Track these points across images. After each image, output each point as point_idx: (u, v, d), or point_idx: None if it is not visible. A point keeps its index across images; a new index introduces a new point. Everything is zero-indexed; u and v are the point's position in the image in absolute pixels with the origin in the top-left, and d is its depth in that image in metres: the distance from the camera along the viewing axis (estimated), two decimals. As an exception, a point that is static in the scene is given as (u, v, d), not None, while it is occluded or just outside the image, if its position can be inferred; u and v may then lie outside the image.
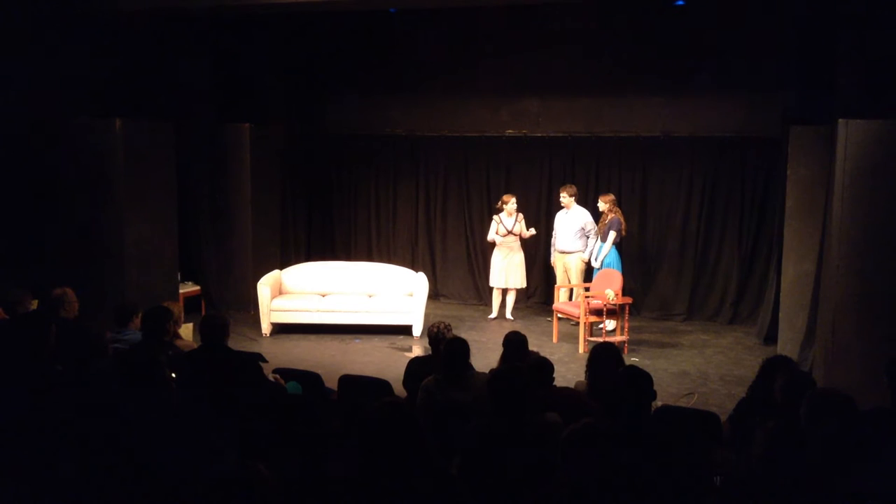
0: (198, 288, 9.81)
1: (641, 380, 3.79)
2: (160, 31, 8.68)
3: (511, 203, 9.72)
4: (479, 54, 10.44)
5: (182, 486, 3.02)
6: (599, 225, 9.40)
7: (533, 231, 9.83)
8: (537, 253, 10.42)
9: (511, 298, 9.98)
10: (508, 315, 9.97)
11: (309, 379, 5.55)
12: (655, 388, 3.86)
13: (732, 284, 9.89)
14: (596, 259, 9.22)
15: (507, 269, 9.78)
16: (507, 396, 3.70)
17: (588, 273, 9.48)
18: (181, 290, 9.24)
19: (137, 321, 5.61)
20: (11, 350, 4.32)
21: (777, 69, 9.03)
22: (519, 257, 9.82)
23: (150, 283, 8.26)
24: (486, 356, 7.17)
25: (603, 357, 4.59)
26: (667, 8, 9.47)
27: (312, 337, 9.06)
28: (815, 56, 7.92)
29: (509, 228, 9.75)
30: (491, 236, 9.87)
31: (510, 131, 10.68)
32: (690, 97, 9.84)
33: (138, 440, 3.38)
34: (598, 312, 8.55)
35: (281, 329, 9.28)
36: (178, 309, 5.88)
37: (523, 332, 5.31)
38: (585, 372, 4.71)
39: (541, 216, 10.47)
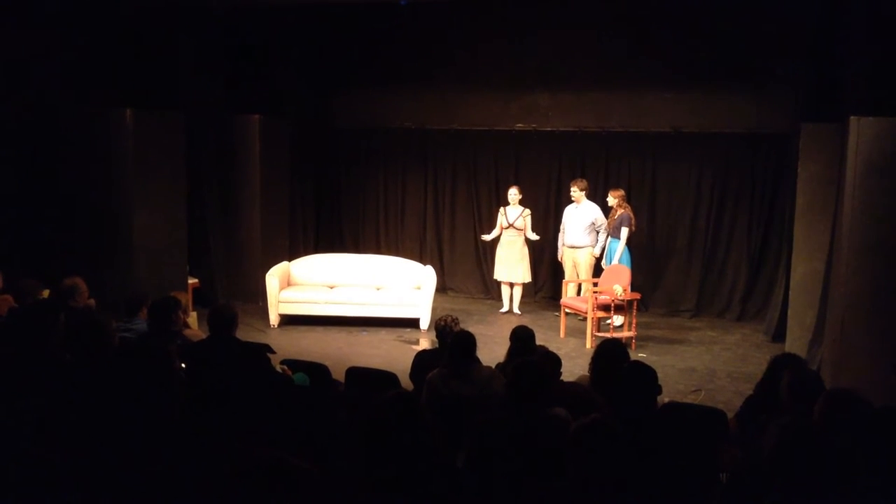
0: (196, 281, 9.73)
1: (646, 375, 3.78)
2: (171, 22, 8.67)
3: (512, 193, 9.71)
4: (489, 48, 10.41)
5: (186, 478, 3.03)
6: (609, 220, 9.38)
7: (536, 236, 9.82)
8: (545, 247, 10.41)
9: (518, 293, 9.98)
10: (516, 309, 9.97)
11: (316, 370, 5.55)
12: (663, 384, 3.86)
13: (741, 281, 9.86)
14: (610, 258, 9.18)
15: (510, 263, 9.78)
16: (529, 389, 3.69)
17: (597, 268, 9.46)
18: (189, 281, 9.23)
19: (146, 311, 5.62)
20: (20, 338, 4.34)
21: (788, 65, 8.98)
22: (522, 251, 9.80)
23: (159, 272, 8.27)
24: (493, 350, 7.16)
25: (608, 353, 4.58)
26: (678, 3, 9.42)
27: (320, 328, 9.08)
28: (827, 52, 7.87)
29: (511, 221, 9.74)
30: (490, 236, 9.90)
31: (520, 125, 10.65)
32: (701, 93, 9.80)
33: (144, 429, 3.39)
34: (605, 308, 8.55)
35: (289, 320, 9.30)
36: (185, 299, 5.88)
37: (531, 326, 5.30)
38: (590, 366, 4.71)
39: (549, 211, 10.46)
